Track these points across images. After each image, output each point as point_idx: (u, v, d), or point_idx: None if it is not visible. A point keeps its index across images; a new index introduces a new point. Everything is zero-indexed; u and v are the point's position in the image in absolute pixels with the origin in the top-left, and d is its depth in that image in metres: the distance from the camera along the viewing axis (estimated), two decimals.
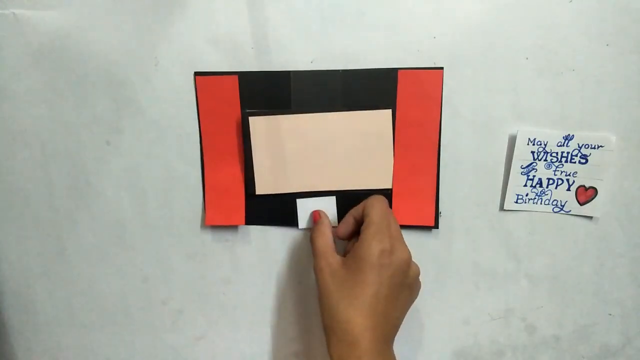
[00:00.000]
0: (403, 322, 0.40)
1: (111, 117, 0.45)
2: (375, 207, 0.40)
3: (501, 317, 0.48)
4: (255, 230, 0.47)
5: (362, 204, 0.42)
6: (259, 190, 0.45)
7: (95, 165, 0.46)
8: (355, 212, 0.42)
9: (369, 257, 0.37)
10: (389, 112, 0.44)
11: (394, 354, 0.39)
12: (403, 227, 0.46)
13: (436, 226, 0.46)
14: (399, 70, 0.43)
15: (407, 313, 0.40)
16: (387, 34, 0.42)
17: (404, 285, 0.39)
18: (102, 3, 0.42)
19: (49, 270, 0.49)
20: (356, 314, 0.36)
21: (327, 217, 0.44)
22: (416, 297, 0.42)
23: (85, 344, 0.51)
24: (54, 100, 0.45)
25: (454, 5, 0.42)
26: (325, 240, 0.41)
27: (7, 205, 0.47)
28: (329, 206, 0.46)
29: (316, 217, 0.44)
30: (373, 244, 0.37)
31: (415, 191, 0.45)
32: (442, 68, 0.43)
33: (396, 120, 0.44)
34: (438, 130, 0.44)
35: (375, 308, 0.36)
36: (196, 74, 0.44)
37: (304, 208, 0.46)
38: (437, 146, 0.45)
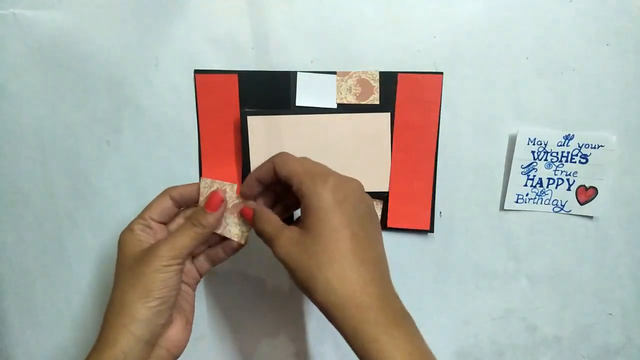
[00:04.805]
0: None
1: (111, 117, 0.45)
2: (293, 165, 0.35)
3: (501, 317, 0.48)
4: None
5: (267, 165, 0.37)
6: None
7: (95, 165, 0.46)
8: (259, 173, 0.37)
9: (324, 202, 0.33)
10: (387, 115, 0.44)
11: (399, 299, 0.34)
12: (399, 230, 0.46)
13: (431, 230, 0.46)
14: (398, 74, 0.43)
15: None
16: (387, 33, 0.42)
17: (371, 215, 0.35)
18: (102, 3, 0.42)
19: (49, 270, 0.49)
20: (344, 273, 0.32)
21: (262, 205, 0.39)
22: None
23: (85, 344, 0.51)
24: (54, 100, 0.45)
25: (454, 5, 0.42)
26: (274, 222, 0.36)
27: (7, 205, 0.47)
28: None
29: (248, 213, 0.38)
30: (318, 189, 0.33)
31: (412, 195, 0.45)
32: (441, 73, 0.43)
33: (394, 124, 0.44)
34: (436, 134, 0.44)
35: (359, 256, 0.33)
36: (196, 72, 0.44)
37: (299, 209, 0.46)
38: (435, 150, 0.45)
